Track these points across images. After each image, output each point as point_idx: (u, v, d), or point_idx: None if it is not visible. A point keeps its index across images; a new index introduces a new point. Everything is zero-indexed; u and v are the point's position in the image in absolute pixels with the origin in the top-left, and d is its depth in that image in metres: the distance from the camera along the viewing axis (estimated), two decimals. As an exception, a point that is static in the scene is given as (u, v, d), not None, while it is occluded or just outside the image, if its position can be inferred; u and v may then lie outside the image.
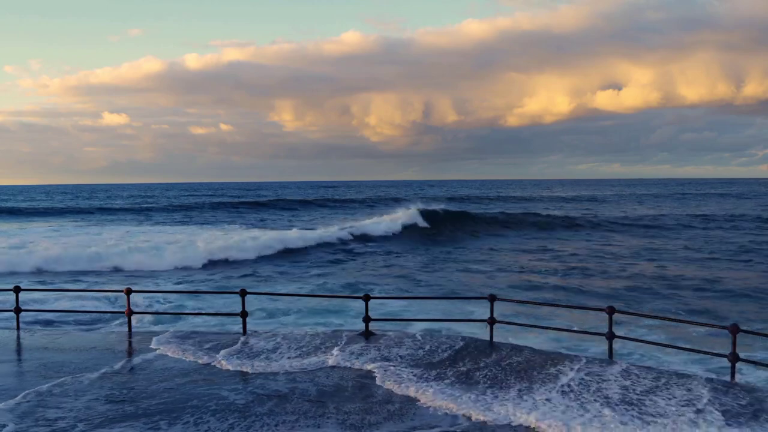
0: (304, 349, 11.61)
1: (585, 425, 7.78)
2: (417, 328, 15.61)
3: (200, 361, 11.02)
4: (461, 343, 11.82)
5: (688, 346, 12.12)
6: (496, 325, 12.13)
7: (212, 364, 10.90)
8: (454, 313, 18.54)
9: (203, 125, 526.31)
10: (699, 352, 11.66)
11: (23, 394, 9.15)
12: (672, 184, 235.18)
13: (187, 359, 11.17)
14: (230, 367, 10.64)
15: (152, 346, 12.08)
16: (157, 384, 9.71)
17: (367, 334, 12.47)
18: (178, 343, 12.24)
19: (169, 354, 11.50)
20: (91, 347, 12.13)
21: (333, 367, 10.63)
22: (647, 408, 8.35)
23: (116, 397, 9.12)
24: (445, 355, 11.15)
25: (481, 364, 10.55)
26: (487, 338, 12.07)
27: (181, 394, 9.25)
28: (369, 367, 10.50)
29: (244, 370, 10.55)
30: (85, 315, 17.48)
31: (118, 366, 10.73)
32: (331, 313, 19.09)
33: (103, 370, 10.43)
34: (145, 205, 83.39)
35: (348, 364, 10.70)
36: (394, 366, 10.46)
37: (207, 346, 11.98)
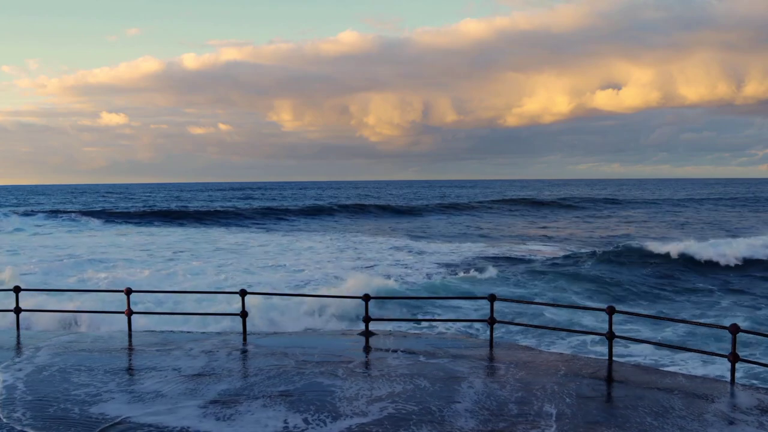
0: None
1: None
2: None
3: None
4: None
5: (688, 346, 12.14)
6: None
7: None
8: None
9: (202, 125, 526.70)
10: (699, 351, 11.67)
11: None
12: (697, 184, 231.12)
13: None
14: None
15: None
16: None
17: (367, 334, 12.47)
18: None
19: None
20: None
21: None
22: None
23: None
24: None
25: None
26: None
27: None
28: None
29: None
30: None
31: None
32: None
33: None
34: (274, 208, 76.54)
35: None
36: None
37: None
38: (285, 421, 7.71)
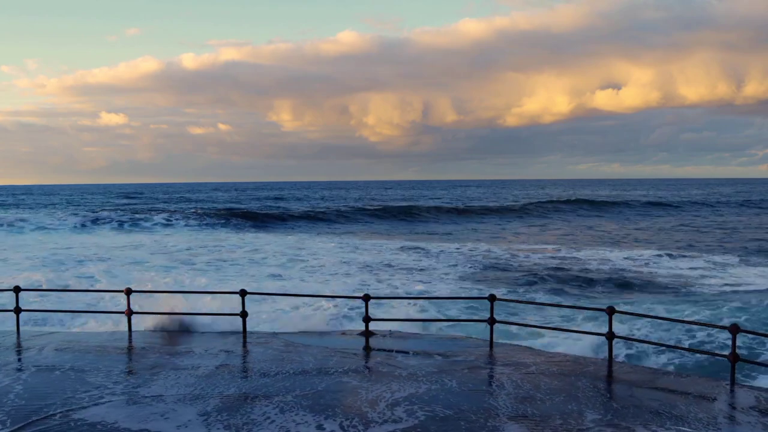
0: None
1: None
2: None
3: None
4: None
5: (687, 347, 12.14)
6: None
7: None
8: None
9: (202, 125, 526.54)
10: (699, 352, 11.69)
11: None
12: (712, 183, 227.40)
13: None
14: None
15: None
16: None
17: (367, 334, 12.47)
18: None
19: None
20: None
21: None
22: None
23: None
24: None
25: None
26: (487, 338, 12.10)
27: None
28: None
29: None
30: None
31: None
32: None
33: None
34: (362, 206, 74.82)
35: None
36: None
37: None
38: (320, 427, 7.49)
